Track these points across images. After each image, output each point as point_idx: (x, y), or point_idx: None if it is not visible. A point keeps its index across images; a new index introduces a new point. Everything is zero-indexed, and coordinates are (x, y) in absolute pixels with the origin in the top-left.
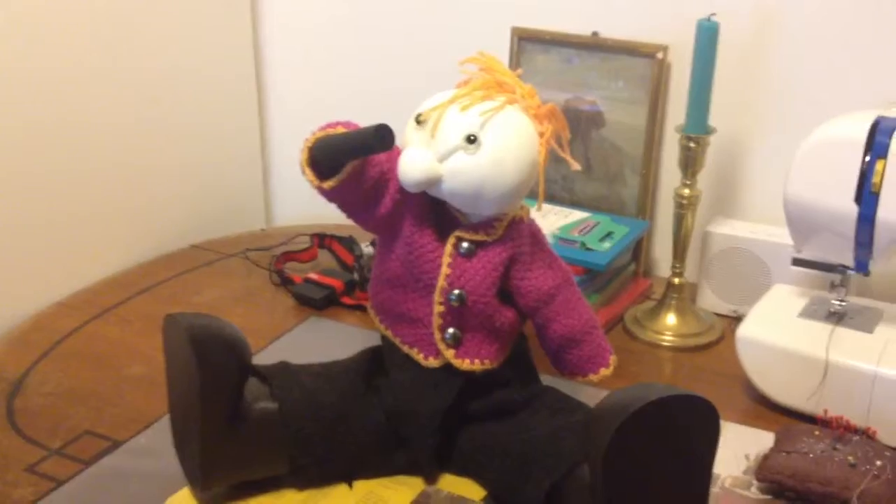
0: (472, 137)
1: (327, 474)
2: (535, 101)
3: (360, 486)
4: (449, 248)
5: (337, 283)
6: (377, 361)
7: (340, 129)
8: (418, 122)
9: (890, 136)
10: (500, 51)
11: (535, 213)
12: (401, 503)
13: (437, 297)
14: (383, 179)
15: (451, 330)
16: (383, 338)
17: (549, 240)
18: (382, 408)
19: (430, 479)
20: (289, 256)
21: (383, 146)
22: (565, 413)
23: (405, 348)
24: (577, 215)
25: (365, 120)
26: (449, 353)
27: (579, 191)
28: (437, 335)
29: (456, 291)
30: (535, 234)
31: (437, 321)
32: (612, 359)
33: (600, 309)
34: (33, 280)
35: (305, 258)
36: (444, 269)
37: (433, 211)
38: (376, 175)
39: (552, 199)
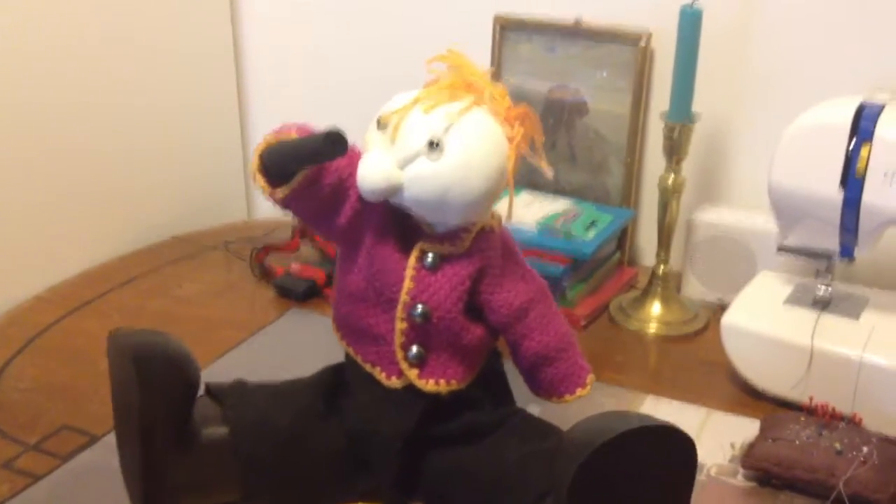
0: (434, 142)
1: (283, 501)
2: (506, 103)
3: None
4: (412, 260)
5: (319, 274)
6: (339, 380)
7: (293, 134)
8: (379, 124)
9: (874, 121)
10: (483, 40)
11: (517, 202)
12: None
13: (399, 312)
14: (342, 187)
15: (414, 348)
16: (346, 355)
17: (533, 228)
18: (344, 430)
19: None
20: (270, 248)
21: (335, 153)
22: (536, 439)
23: (367, 367)
24: (561, 204)
25: (344, 111)
26: (412, 374)
27: (563, 180)
28: (400, 353)
29: (419, 307)
30: (506, 245)
31: (399, 338)
32: (590, 378)
33: (585, 298)
34: (10, 274)
35: (287, 249)
36: (407, 283)
37: (397, 220)
38: (334, 182)
39: (536, 187)
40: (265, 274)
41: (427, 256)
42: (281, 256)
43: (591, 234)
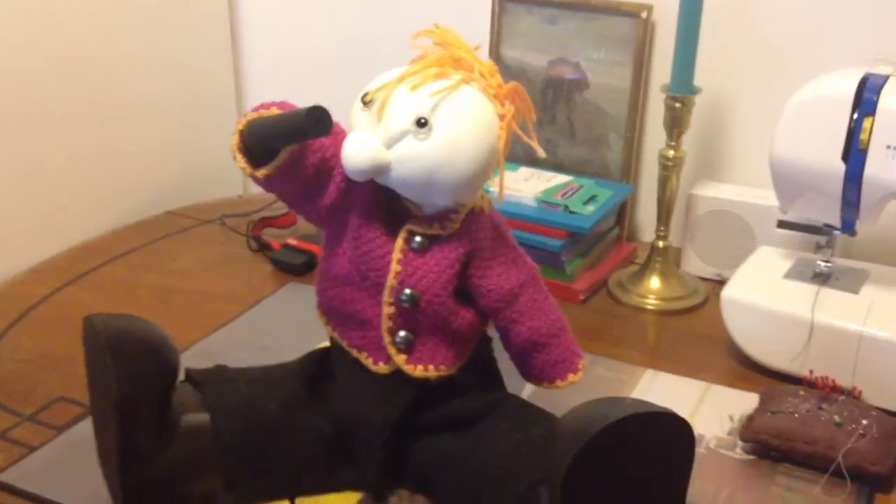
0: (422, 120)
1: (265, 490)
2: (496, 80)
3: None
4: (400, 242)
5: (317, 249)
6: (324, 365)
7: (275, 111)
8: (364, 102)
9: (878, 93)
10: (482, 12)
11: (516, 176)
12: None
13: (386, 296)
14: (326, 167)
15: (402, 333)
16: (332, 340)
17: (532, 203)
18: (329, 417)
19: (380, 496)
20: (267, 222)
21: (318, 131)
22: (527, 426)
23: (353, 352)
24: (561, 179)
25: (341, 85)
26: (400, 359)
27: (563, 155)
28: (387, 338)
29: (407, 291)
30: (497, 227)
31: (386, 323)
32: (582, 363)
33: (583, 272)
34: (4, 247)
35: (284, 223)
36: (394, 266)
37: (384, 201)
38: (317, 162)
39: (535, 163)
40: (262, 247)
41: (415, 238)
42: (277, 232)
43: (591, 208)
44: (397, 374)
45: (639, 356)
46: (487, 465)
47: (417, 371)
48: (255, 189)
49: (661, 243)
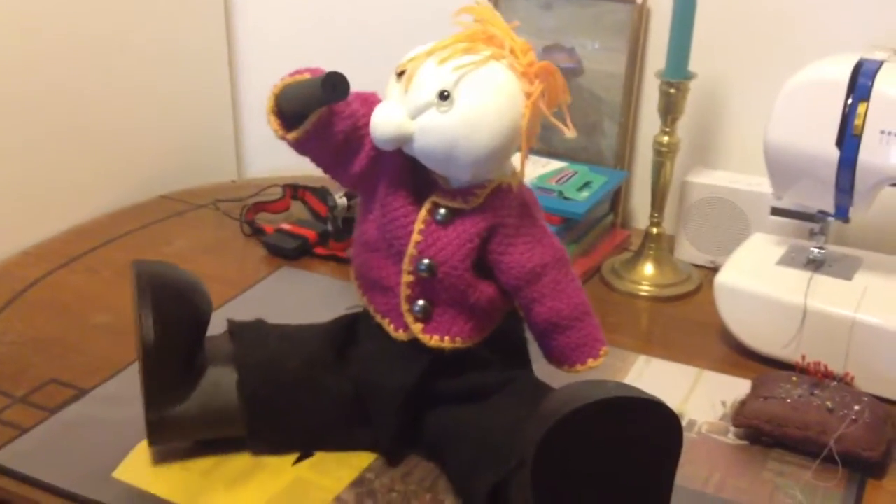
0: (444, 93)
1: (283, 442)
2: (528, 59)
3: (290, 470)
4: (423, 213)
5: (310, 234)
6: (352, 329)
7: (307, 76)
8: (398, 74)
9: (873, 79)
10: None
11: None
12: (330, 489)
13: (405, 265)
14: (357, 134)
15: (420, 302)
16: (363, 304)
17: None
18: (350, 378)
19: (392, 459)
20: (260, 207)
21: (334, 96)
22: (533, 404)
23: (378, 317)
24: (555, 165)
25: (337, 68)
26: (416, 327)
27: (557, 141)
28: (405, 306)
29: (425, 261)
30: (525, 205)
31: (405, 291)
32: (604, 350)
33: (577, 259)
34: None
35: (277, 209)
36: (415, 236)
37: (413, 172)
38: (346, 128)
39: (530, 149)
40: (256, 231)
41: (439, 210)
42: (271, 217)
43: (585, 194)
44: (415, 342)
45: (632, 342)
46: (487, 437)
47: (433, 341)
48: (249, 174)
49: (654, 230)
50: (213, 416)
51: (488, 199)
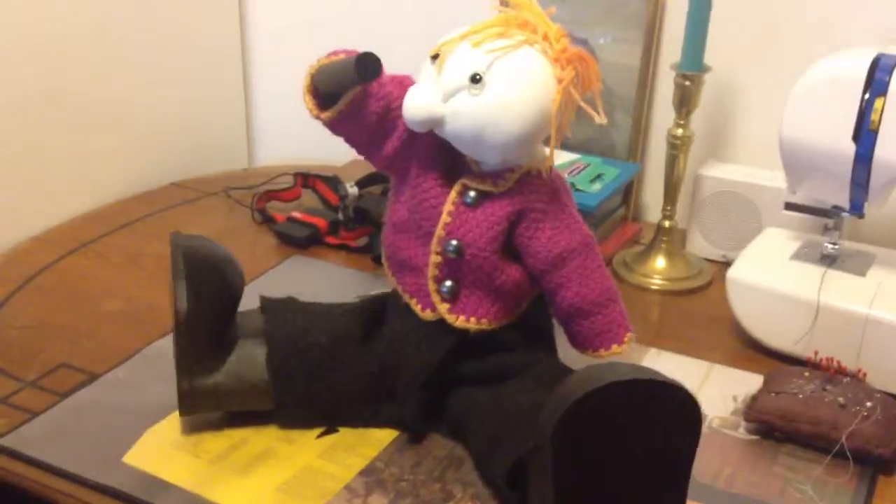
0: (476, 76)
1: (309, 415)
2: (561, 44)
3: (300, 458)
4: (453, 195)
5: (321, 223)
6: (381, 308)
7: (342, 56)
8: (433, 57)
9: (890, 74)
10: None
11: None
12: (340, 477)
13: (434, 246)
14: (390, 116)
15: (447, 283)
16: (392, 284)
17: None
18: (376, 356)
19: (415, 436)
20: (271, 195)
21: (366, 76)
22: (550, 385)
23: (406, 297)
24: (567, 157)
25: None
26: (443, 308)
27: (570, 133)
28: (432, 286)
29: (454, 242)
30: (556, 192)
31: (432, 272)
32: (629, 336)
33: None
34: (8, 215)
35: (288, 197)
36: (444, 217)
37: (444, 154)
38: (380, 110)
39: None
40: (267, 220)
41: (469, 193)
42: (282, 205)
43: (597, 186)
44: (441, 322)
45: (643, 335)
46: (508, 417)
47: (459, 321)
48: (260, 162)
49: (667, 223)
50: (242, 388)
51: (518, 183)
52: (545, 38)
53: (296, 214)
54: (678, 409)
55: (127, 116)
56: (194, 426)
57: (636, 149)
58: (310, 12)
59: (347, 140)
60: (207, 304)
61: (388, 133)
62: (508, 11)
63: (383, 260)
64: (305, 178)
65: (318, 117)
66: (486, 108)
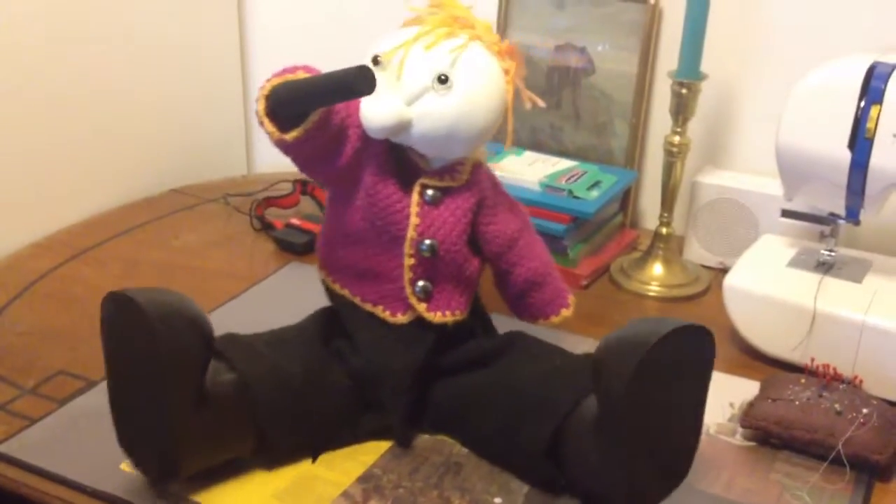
0: (442, 77)
1: (295, 449)
2: (496, 37)
3: (298, 465)
4: (415, 196)
5: (319, 229)
6: (332, 324)
7: (302, 74)
8: (376, 63)
9: (886, 82)
10: None
11: (521, 161)
12: (337, 483)
13: (407, 248)
14: (344, 126)
15: (420, 283)
16: (338, 298)
17: (536, 188)
18: (346, 372)
19: (403, 441)
20: (270, 202)
21: (369, 88)
22: (545, 358)
23: (368, 307)
24: (565, 164)
25: (348, 62)
26: (421, 307)
27: (567, 140)
28: (409, 289)
29: (427, 241)
30: (493, 179)
31: (407, 274)
32: (571, 299)
33: (586, 258)
34: (8, 221)
35: (287, 204)
36: (414, 220)
37: (394, 158)
38: (339, 122)
39: (540, 147)
40: (265, 226)
41: (427, 192)
42: (281, 212)
43: (595, 193)
44: (417, 322)
45: None
46: (522, 392)
47: (437, 317)
48: (259, 169)
49: (664, 230)
50: (222, 436)
51: (470, 175)
52: (482, 33)
53: (294, 221)
54: (705, 345)
55: (127, 123)
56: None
57: (633, 156)
58: (309, 19)
59: (300, 157)
60: (190, 362)
61: (342, 145)
62: (427, 11)
63: (323, 277)
64: (304, 185)
65: (281, 139)
66: (456, 107)
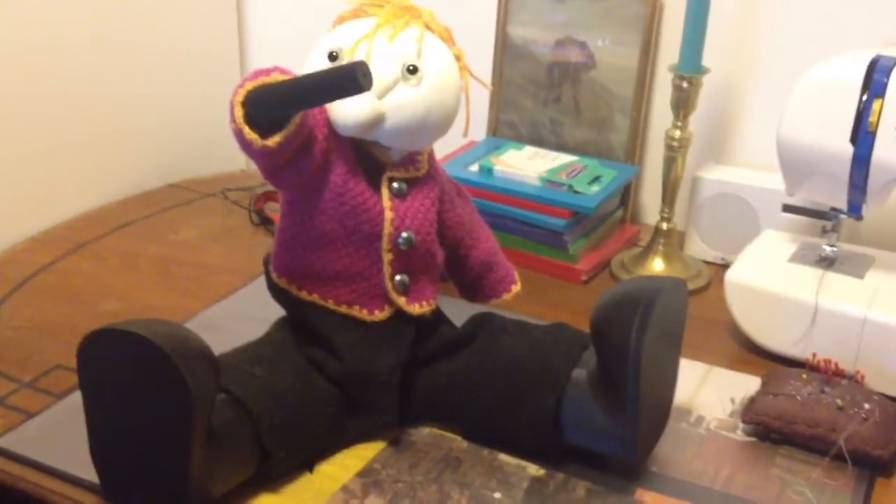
0: (411, 67)
1: (294, 464)
2: (442, 25)
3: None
4: (385, 190)
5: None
6: (298, 334)
7: (278, 76)
8: (332, 58)
9: (888, 75)
10: None
11: (521, 155)
12: (337, 478)
13: (384, 244)
14: (313, 129)
15: (398, 277)
16: (305, 306)
17: (536, 182)
18: (330, 377)
19: (393, 437)
20: (269, 196)
21: (367, 86)
22: (522, 333)
23: (343, 308)
24: (565, 158)
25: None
26: (401, 301)
27: (568, 135)
28: (389, 284)
29: (404, 234)
30: (439, 166)
31: (387, 270)
32: (516, 275)
33: (586, 253)
34: (6, 215)
35: None
36: (388, 214)
37: (358, 155)
38: (311, 125)
39: (540, 142)
40: (264, 220)
41: (393, 185)
42: (279, 207)
43: (595, 188)
44: (395, 317)
45: None
46: (515, 366)
47: (416, 309)
48: None
49: (665, 225)
50: (229, 462)
51: (429, 164)
52: (429, 21)
53: None
54: (684, 298)
55: (124, 117)
56: None
57: (634, 151)
58: (308, 16)
59: (273, 164)
60: (208, 396)
61: (310, 147)
62: (371, 2)
63: (285, 285)
64: None
65: (264, 147)
66: (428, 96)
